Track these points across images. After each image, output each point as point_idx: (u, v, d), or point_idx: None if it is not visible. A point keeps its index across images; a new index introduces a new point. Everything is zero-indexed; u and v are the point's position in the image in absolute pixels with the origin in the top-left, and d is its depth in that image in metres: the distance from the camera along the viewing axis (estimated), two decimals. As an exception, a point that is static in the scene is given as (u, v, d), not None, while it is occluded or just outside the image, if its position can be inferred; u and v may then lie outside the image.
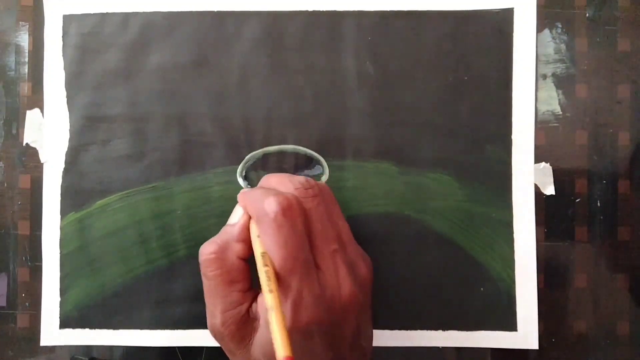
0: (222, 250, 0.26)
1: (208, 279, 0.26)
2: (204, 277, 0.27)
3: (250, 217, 0.27)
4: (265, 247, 0.25)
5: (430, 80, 0.34)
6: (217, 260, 0.26)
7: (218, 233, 0.28)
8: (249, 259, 0.27)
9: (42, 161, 0.34)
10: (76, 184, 0.34)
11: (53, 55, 0.34)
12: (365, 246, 0.30)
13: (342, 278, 0.26)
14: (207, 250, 0.27)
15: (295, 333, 0.24)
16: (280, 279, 0.24)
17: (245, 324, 0.26)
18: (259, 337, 0.26)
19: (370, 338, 0.29)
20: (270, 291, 0.23)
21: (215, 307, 0.26)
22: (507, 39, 0.34)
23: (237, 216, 0.28)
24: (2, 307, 0.34)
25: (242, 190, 0.29)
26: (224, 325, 0.26)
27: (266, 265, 0.24)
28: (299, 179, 0.28)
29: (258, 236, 0.26)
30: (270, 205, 0.25)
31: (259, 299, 0.26)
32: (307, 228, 0.26)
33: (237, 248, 0.27)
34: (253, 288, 0.27)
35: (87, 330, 0.34)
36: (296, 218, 0.25)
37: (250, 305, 0.26)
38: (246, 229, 0.27)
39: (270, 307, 0.23)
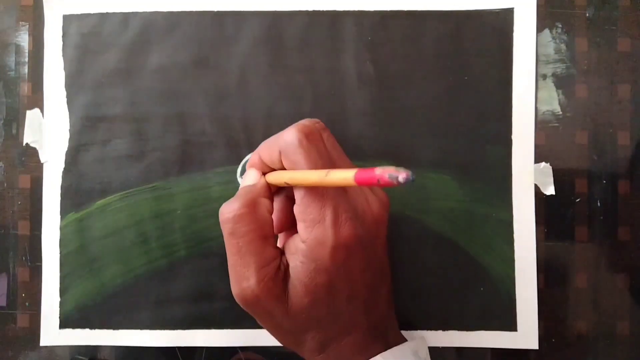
0: (253, 205, 0.26)
1: (238, 237, 0.25)
2: (232, 237, 0.25)
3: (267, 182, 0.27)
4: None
5: (430, 81, 0.34)
6: (249, 214, 0.25)
7: (234, 196, 0.27)
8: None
9: (42, 161, 0.34)
10: (76, 184, 0.34)
11: (53, 55, 0.34)
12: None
13: (368, 196, 0.27)
14: (233, 207, 0.25)
15: (340, 249, 0.25)
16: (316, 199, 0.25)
17: (280, 280, 0.26)
18: (292, 284, 0.26)
19: (388, 266, 0.30)
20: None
21: (247, 267, 0.25)
22: (507, 39, 0.34)
23: (252, 178, 0.27)
24: (2, 307, 0.34)
25: (251, 154, 0.28)
26: (261, 284, 0.25)
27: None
28: (302, 121, 0.27)
29: (286, 183, 0.25)
30: (292, 135, 0.25)
31: (286, 247, 0.26)
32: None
33: (267, 203, 0.26)
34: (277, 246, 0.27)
35: (87, 330, 0.34)
36: (319, 141, 0.26)
37: (281, 260, 0.26)
38: (268, 187, 0.27)
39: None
